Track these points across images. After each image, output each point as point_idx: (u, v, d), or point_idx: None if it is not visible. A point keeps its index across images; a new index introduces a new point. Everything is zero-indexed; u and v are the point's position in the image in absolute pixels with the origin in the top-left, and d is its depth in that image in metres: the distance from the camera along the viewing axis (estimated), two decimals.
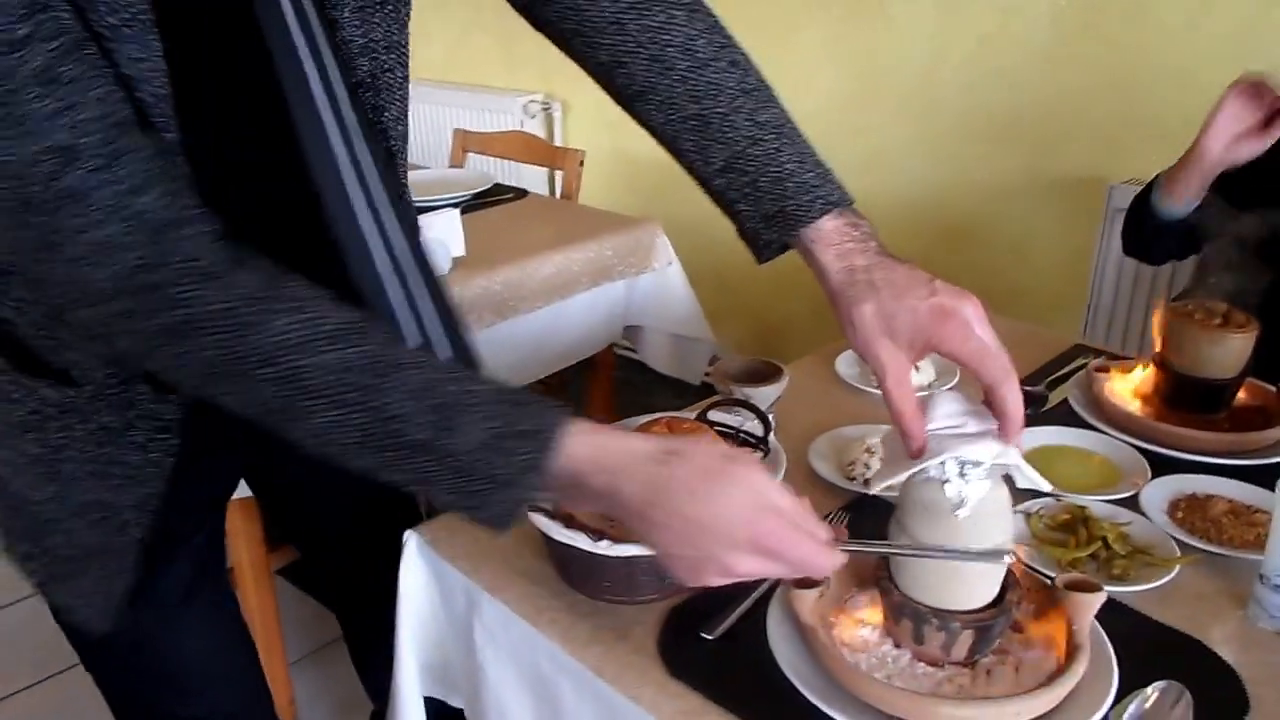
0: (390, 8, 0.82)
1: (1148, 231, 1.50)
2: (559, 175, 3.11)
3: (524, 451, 0.66)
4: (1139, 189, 2.04)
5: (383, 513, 1.11)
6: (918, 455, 0.74)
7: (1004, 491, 0.75)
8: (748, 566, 0.67)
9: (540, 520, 0.89)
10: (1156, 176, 1.48)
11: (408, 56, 0.86)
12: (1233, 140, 1.32)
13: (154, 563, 0.92)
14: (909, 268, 0.77)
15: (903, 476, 0.75)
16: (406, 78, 0.86)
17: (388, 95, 0.83)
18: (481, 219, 2.08)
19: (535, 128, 3.24)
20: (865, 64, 2.51)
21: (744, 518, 0.66)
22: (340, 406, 0.65)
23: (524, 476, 0.66)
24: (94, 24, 0.63)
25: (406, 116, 0.88)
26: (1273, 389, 1.19)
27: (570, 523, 0.92)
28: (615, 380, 2.29)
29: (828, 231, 0.80)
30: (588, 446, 0.66)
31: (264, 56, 0.73)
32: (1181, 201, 1.44)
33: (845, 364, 1.35)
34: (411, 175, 2.32)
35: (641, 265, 2.06)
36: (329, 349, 0.65)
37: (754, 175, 0.82)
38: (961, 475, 0.72)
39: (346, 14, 0.77)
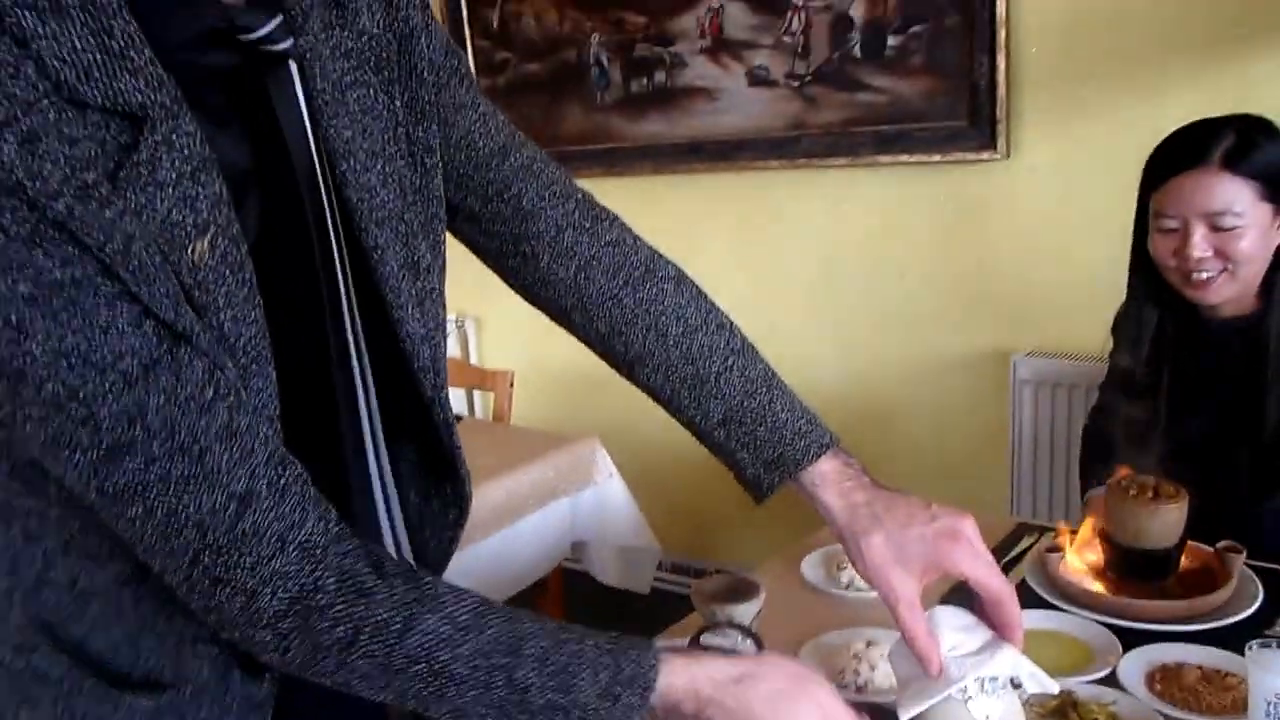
0: (437, 292, 0.88)
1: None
2: (481, 395, 3.16)
3: (631, 695, 0.72)
4: (1042, 360, 2.20)
5: None
6: (935, 674, 0.79)
7: (1015, 696, 0.79)
8: None
9: None
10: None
11: (446, 331, 0.92)
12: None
13: None
14: (904, 496, 0.86)
15: (933, 702, 0.79)
16: (446, 350, 0.92)
17: (442, 375, 0.88)
18: None
19: (451, 347, 3.31)
20: (768, 266, 2.67)
21: None
22: (480, 687, 0.70)
23: (631, 716, 0.72)
24: (230, 365, 0.69)
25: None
26: (1210, 549, 1.27)
27: None
28: (563, 596, 2.28)
29: (826, 473, 0.88)
30: (682, 678, 0.73)
31: (325, 373, 0.80)
32: None
33: (811, 567, 1.39)
34: None
35: (583, 481, 2.10)
36: (468, 638, 0.70)
37: (751, 426, 0.91)
38: (983, 690, 0.76)
39: (409, 310, 0.83)
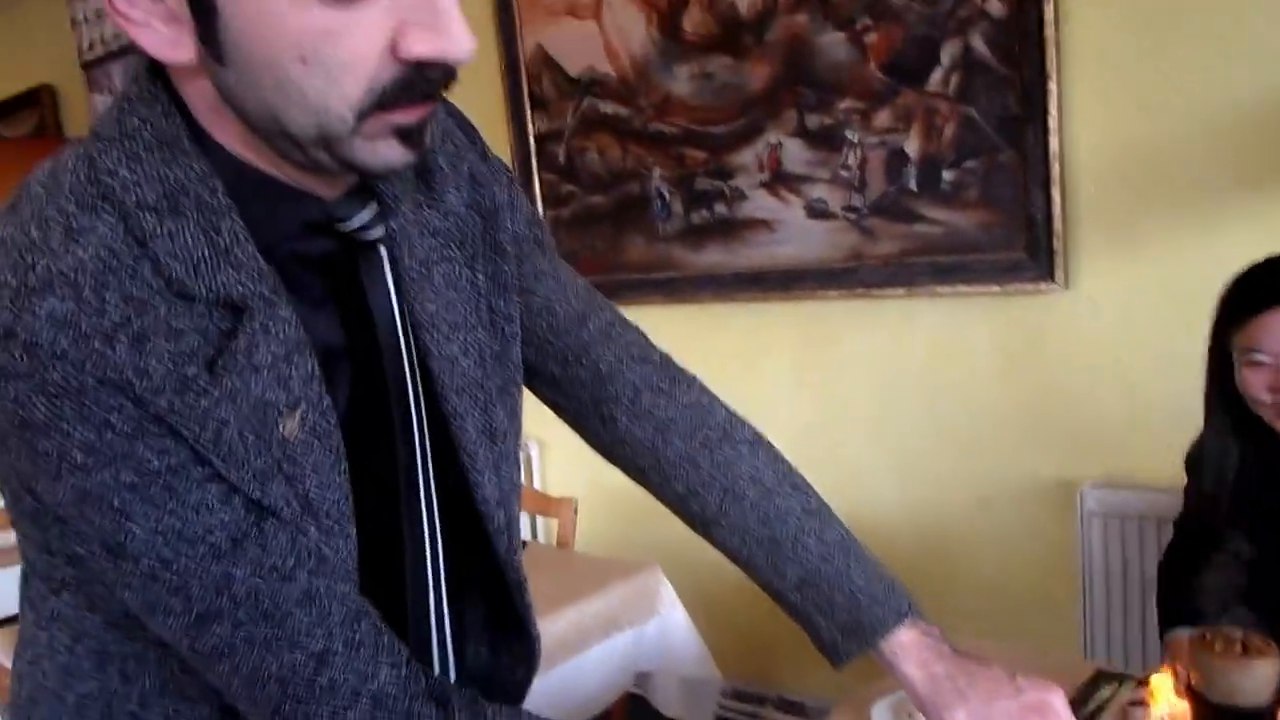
0: (514, 455, 0.91)
1: None
2: (544, 520, 3.19)
3: None
4: (1109, 491, 2.18)
5: None
6: None
7: None
8: None
9: None
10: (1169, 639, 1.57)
11: (521, 491, 0.96)
12: None
13: None
14: (987, 667, 0.87)
15: None
16: (519, 510, 0.96)
17: (515, 536, 0.92)
18: None
19: None
20: (827, 390, 2.69)
21: None
22: None
23: None
24: (313, 529, 0.74)
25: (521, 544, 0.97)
26: None
27: None
28: None
29: (906, 644, 0.90)
30: None
31: (398, 532, 0.83)
32: None
33: (880, 715, 1.37)
34: None
35: (647, 612, 2.10)
36: None
37: (828, 592, 0.93)
38: None
39: (486, 475, 0.86)
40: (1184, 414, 1.88)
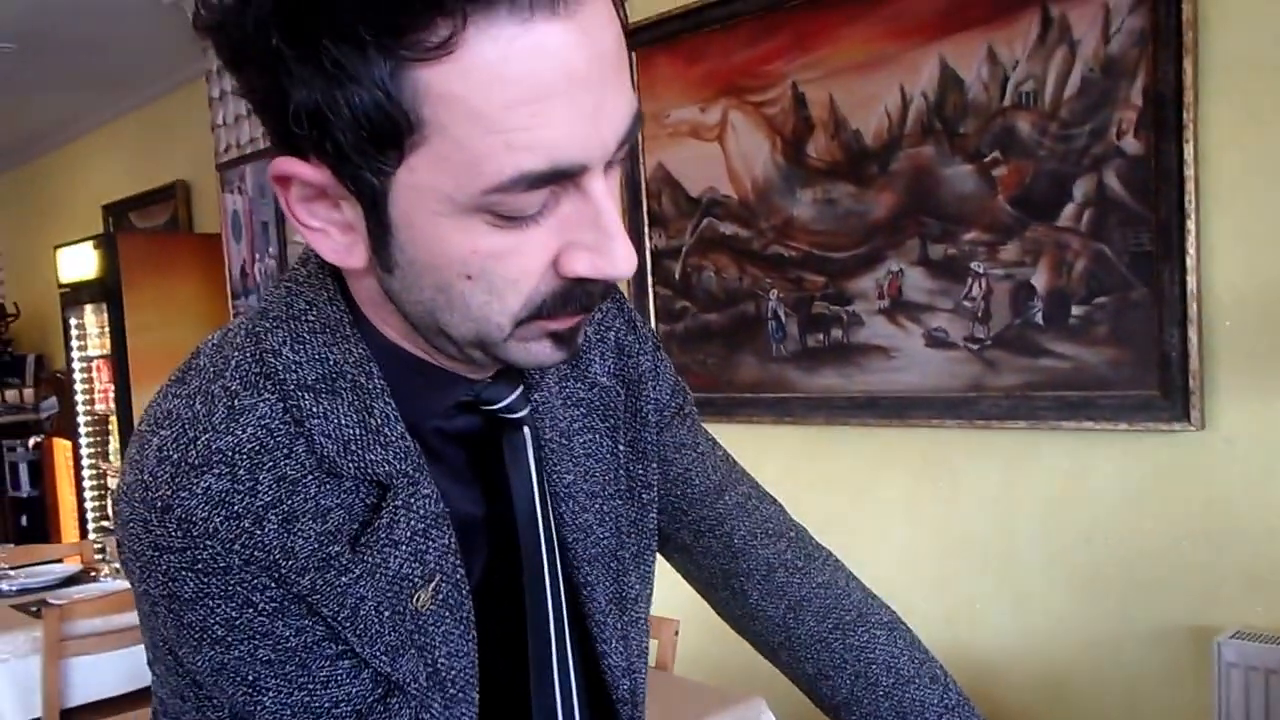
0: (644, 621, 0.90)
1: None
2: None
3: None
4: (1250, 643, 2.06)
5: None
6: None
7: None
8: None
9: None
10: None
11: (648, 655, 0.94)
12: None
13: None
14: None
15: None
16: (646, 676, 0.93)
17: (641, 705, 0.89)
18: None
19: None
20: (940, 521, 2.62)
21: None
22: None
23: None
24: (437, 698, 0.74)
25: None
26: None
27: None
28: None
29: None
30: None
31: (525, 700, 0.83)
32: None
33: None
34: None
35: None
36: None
37: None
38: None
39: (613, 644, 0.85)
40: None
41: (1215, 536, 2.20)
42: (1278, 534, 2.11)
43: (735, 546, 0.95)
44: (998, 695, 2.53)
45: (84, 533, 5.97)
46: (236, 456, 0.67)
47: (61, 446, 6.43)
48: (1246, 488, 2.16)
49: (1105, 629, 2.37)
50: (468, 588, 0.75)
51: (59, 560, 3.80)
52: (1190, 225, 2.13)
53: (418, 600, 0.72)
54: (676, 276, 3.12)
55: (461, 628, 0.74)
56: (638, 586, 0.89)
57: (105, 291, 5.32)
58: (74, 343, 5.93)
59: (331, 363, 0.70)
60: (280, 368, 0.69)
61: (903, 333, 2.62)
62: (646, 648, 0.92)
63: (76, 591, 3.19)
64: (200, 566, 0.66)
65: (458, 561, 0.74)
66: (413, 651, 0.72)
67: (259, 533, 0.66)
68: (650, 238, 3.17)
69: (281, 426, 0.68)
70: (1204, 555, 2.22)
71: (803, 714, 2.39)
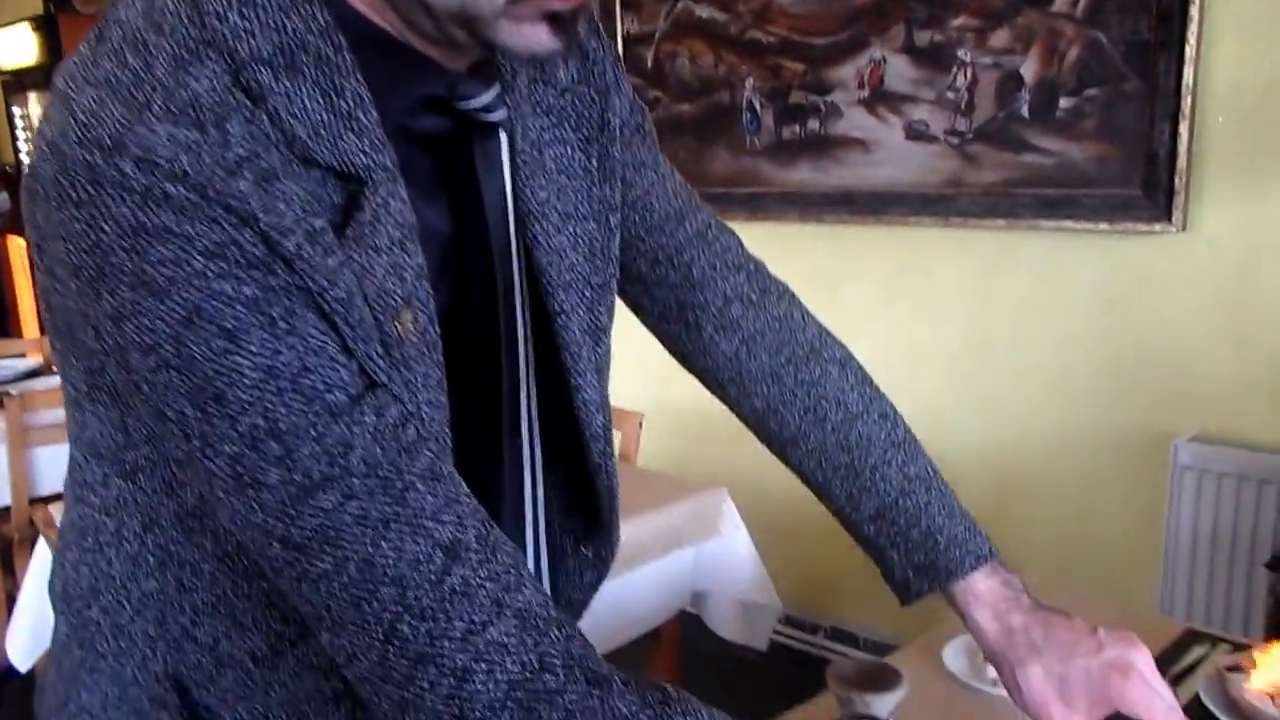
0: (609, 355, 0.85)
1: None
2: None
3: None
4: (1206, 446, 2.06)
5: None
6: None
7: None
8: None
9: None
10: None
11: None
12: None
13: None
14: (1067, 620, 0.80)
15: None
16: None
17: (611, 443, 0.86)
18: None
19: None
20: (912, 324, 2.59)
21: None
22: None
23: None
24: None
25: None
26: None
27: None
28: (678, 647, 2.23)
29: (981, 591, 0.85)
30: None
31: (497, 440, 0.77)
32: None
33: (953, 656, 1.30)
34: None
35: (709, 532, 2.05)
36: None
37: (904, 526, 0.88)
38: None
39: (588, 378, 0.80)
40: None
41: (1186, 342, 2.17)
42: (1247, 341, 2.08)
43: (693, 278, 0.90)
44: (962, 499, 2.55)
45: (43, 329, 5.91)
46: (198, 109, 0.56)
47: (16, 244, 6.27)
48: (1222, 293, 2.11)
49: (1069, 433, 2.37)
50: (435, 314, 0.67)
51: (20, 355, 3.76)
52: (1193, 12, 1.99)
53: (400, 325, 0.63)
54: (649, 64, 2.96)
55: (439, 374, 0.67)
56: (606, 318, 0.83)
57: (49, 78, 5.06)
58: (20, 134, 5.69)
59: (290, 31, 0.59)
60: (228, 35, 0.57)
61: (882, 125, 2.50)
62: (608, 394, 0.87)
63: (39, 384, 3.17)
64: (169, 204, 0.54)
65: (429, 290, 0.66)
66: (396, 373, 0.63)
67: (235, 184, 0.55)
68: (622, 21, 2.99)
69: (235, 98, 0.57)
70: (1172, 361, 2.19)
71: (764, 506, 2.42)
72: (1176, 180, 2.07)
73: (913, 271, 2.56)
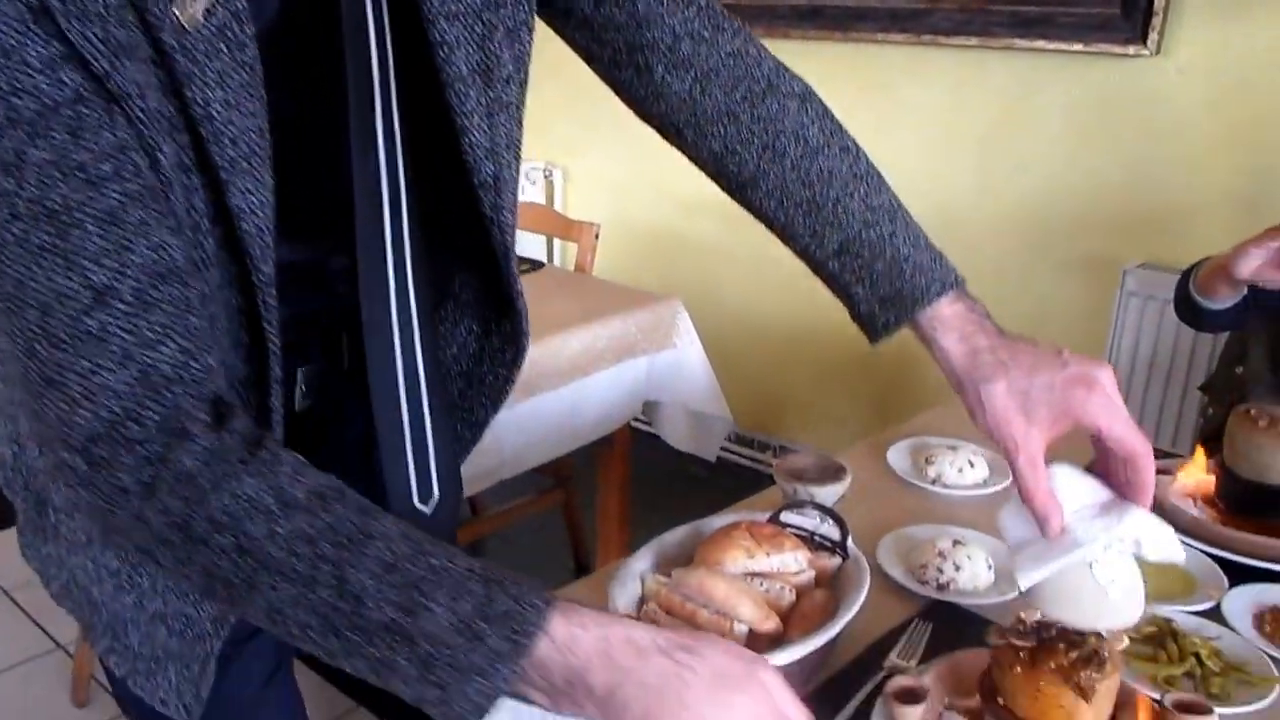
0: (514, 107, 0.81)
1: (1192, 312, 1.54)
2: (563, 245, 3.12)
3: (499, 636, 0.58)
4: (1153, 271, 2.09)
5: None
6: (1055, 536, 0.73)
7: (1136, 564, 0.74)
8: None
9: None
10: (1196, 263, 1.50)
11: (521, 151, 0.85)
12: (1261, 268, 1.36)
13: (231, 662, 0.89)
14: (1032, 343, 0.77)
15: (1055, 566, 0.73)
16: (518, 172, 0.86)
17: (506, 195, 0.82)
18: None
19: (535, 195, 3.24)
20: (876, 144, 2.53)
21: None
22: (300, 583, 0.59)
23: (497, 665, 0.57)
24: (215, 156, 0.62)
25: (516, 210, 0.88)
26: None
27: None
28: (629, 455, 2.27)
29: (947, 316, 0.81)
30: (590, 634, 0.59)
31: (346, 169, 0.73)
32: (1216, 301, 1.48)
33: (898, 456, 1.34)
34: None
35: (662, 342, 2.06)
36: (293, 516, 0.60)
37: (869, 259, 0.83)
38: (1107, 555, 0.71)
39: (475, 120, 0.76)
40: (1256, 200, 1.77)
41: (1147, 169, 2.16)
42: (1210, 168, 2.08)
43: (639, 15, 0.84)
44: None
45: None
46: None
47: None
48: (1189, 121, 2.09)
49: (1023, 258, 2.38)
50: (251, 27, 0.61)
51: None
52: None
53: (184, 11, 0.58)
54: None
55: (245, 75, 0.62)
56: (510, 66, 0.78)
57: None
58: None
59: None
60: None
61: None
62: (518, 145, 0.83)
63: None
64: None
65: None
66: (150, 71, 0.59)
67: None
68: None
69: None
70: (1131, 189, 2.19)
71: (717, 326, 2.43)
72: (1155, 1, 2.02)
73: (879, 92, 2.51)
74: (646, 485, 2.40)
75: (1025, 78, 2.28)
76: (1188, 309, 1.57)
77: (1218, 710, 0.87)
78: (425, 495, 0.85)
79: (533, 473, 2.49)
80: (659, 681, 0.58)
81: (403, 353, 0.81)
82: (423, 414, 0.84)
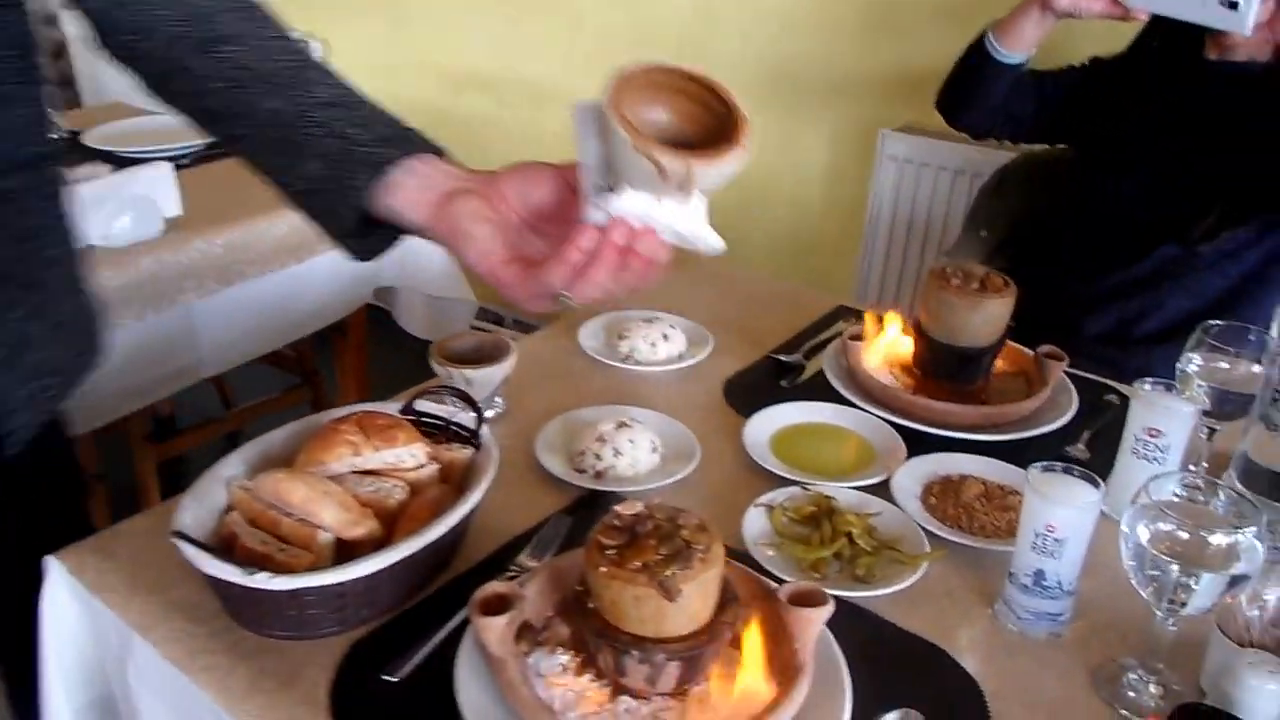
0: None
1: (974, 81, 1.49)
2: None
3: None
4: (912, 136, 2.01)
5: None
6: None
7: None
8: None
9: (187, 550, 0.73)
10: (988, 27, 1.47)
11: None
12: None
13: None
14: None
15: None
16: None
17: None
18: (205, 174, 1.82)
19: None
20: (638, 9, 2.38)
21: None
22: None
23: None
24: None
25: None
26: (1030, 352, 1.13)
27: (228, 550, 0.76)
28: (373, 343, 2.10)
29: (397, 183, 0.70)
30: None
31: None
32: (1018, 48, 1.43)
33: (590, 334, 1.22)
34: (129, 123, 2.04)
35: None
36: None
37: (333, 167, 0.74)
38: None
39: None
40: None
41: (905, 33, 2.06)
42: (955, 25, 1.98)
43: None
44: None
45: None
46: None
47: None
48: None
49: (786, 130, 2.27)
50: None
51: None
52: None
53: None
54: None
55: None
56: None
57: None
58: None
59: None
60: None
61: None
62: None
63: None
64: None
65: None
66: None
67: None
68: None
69: None
70: (891, 52, 2.09)
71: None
72: None
73: None
74: (394, 374, 2.24)
75: None
76: (966, 77, 1.50)
77: (862, 593, 0.79)
78: None
79: (276, 369, 2.31)
80: None
81: None
82: None
